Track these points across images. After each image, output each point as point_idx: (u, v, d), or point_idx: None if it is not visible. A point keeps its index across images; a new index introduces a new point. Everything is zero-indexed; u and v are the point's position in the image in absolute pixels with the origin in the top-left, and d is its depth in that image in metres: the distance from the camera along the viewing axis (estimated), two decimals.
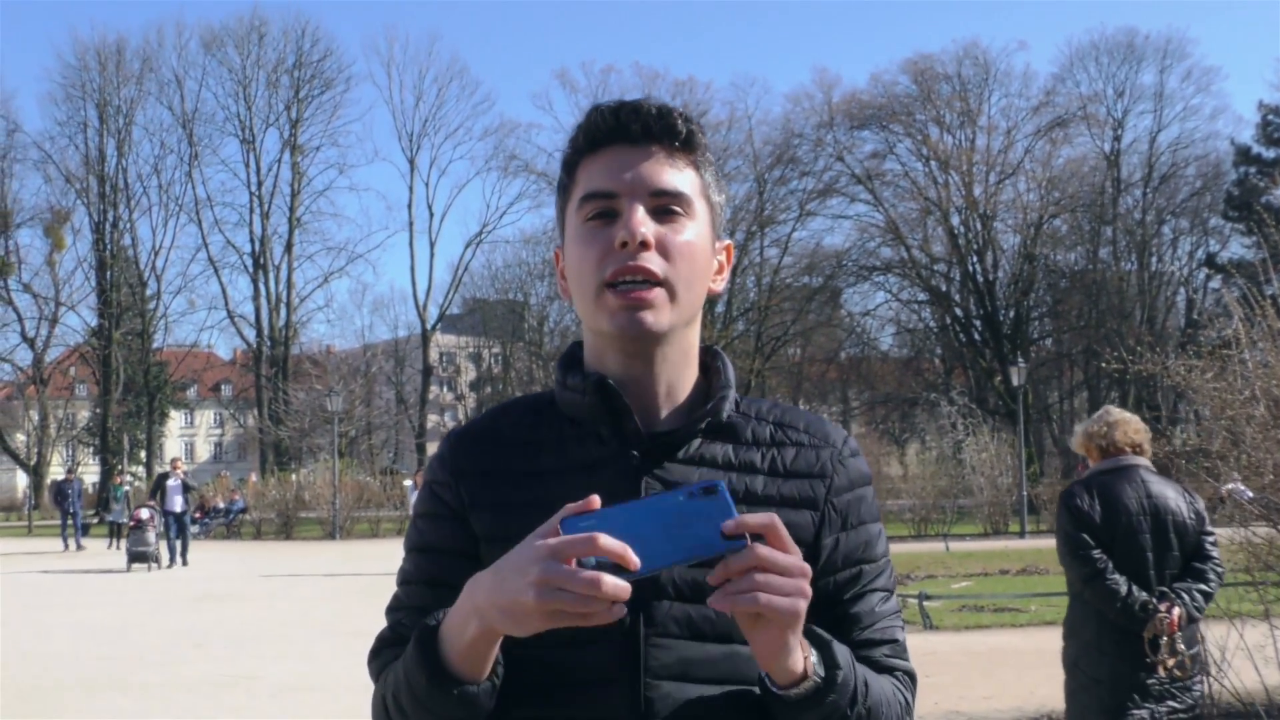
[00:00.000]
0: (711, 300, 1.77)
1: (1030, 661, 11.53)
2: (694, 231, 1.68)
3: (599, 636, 1.51)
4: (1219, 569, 5.38)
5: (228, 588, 21.32)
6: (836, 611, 1.67)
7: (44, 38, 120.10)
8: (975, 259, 60.07)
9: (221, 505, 41.47)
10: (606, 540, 1.34)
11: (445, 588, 1.66)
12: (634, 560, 1.34)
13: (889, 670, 1.67)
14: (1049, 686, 10.08)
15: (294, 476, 46.63)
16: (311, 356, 68.81)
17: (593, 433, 1.69)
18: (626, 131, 1.66)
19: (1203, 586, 5.27)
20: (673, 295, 1.65)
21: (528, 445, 1.72)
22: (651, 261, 1.63)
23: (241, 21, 69.96)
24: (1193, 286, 62.45)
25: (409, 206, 68.66)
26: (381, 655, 1.72)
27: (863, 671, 1.57)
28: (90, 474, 76.99)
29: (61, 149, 68.41)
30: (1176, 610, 5.12)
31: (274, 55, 69.71)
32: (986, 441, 34.39)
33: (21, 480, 77.07)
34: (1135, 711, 5.19)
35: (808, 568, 1.42)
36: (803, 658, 1.48)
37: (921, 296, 63.66)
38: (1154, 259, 63.11)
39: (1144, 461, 5.50)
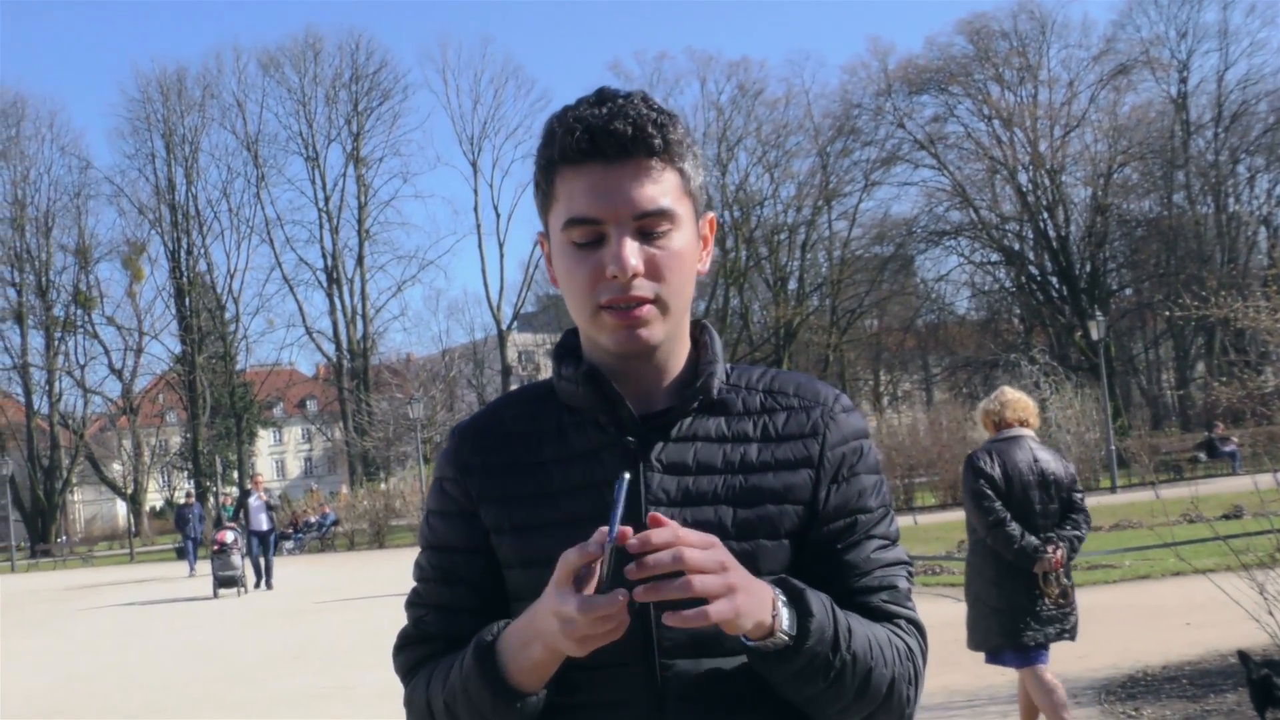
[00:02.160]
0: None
1: (1125, 617, 11.41)
2: (680, 239, 1.69)
3: None
4: (1087, 519, 6.78)
5: (322, 600, 21.62)
6: (832, 560, 1.69)
7: (107, 74, 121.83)
8: (1046, 215, 59.28)
9: (313, 519, 42.03)
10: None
11: (461, 584, 1.74)
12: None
13: (887, 616, 1.68)
14: (1144, 641, 9.99)
15: (383, 486, 47.17)
16: (391, 366, 69.45)
17: (591, 420, 1.72)
18: (603, 153, 1.65)
19: (1077, 533, 6.63)
20: (666, 309, 1.67)
21: (530, 436, 1.75)
22: (643, 288, 1.65)
23: (296, 41, 71.16)
24: (1273, 224, 61.13)
25: (475, 209, 69.11)
26: (406, 652, 1.78)
27: (846, 617, 1.58)
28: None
29: (132, 181, 69.83)
30: (1059, 551, 6.45)
31: (330, 71, 70.58)
32: (1071, 398, 33.94)
33: (121, 509, 78.59)
34: (1029, 633, 6.44)
35: (722, 561, 1.47)
36: (769, 615, 1.50)
37: (994, 257, 62.99)
38: (1230, 200, 61.90)
39: (1030, 433, 6.81)
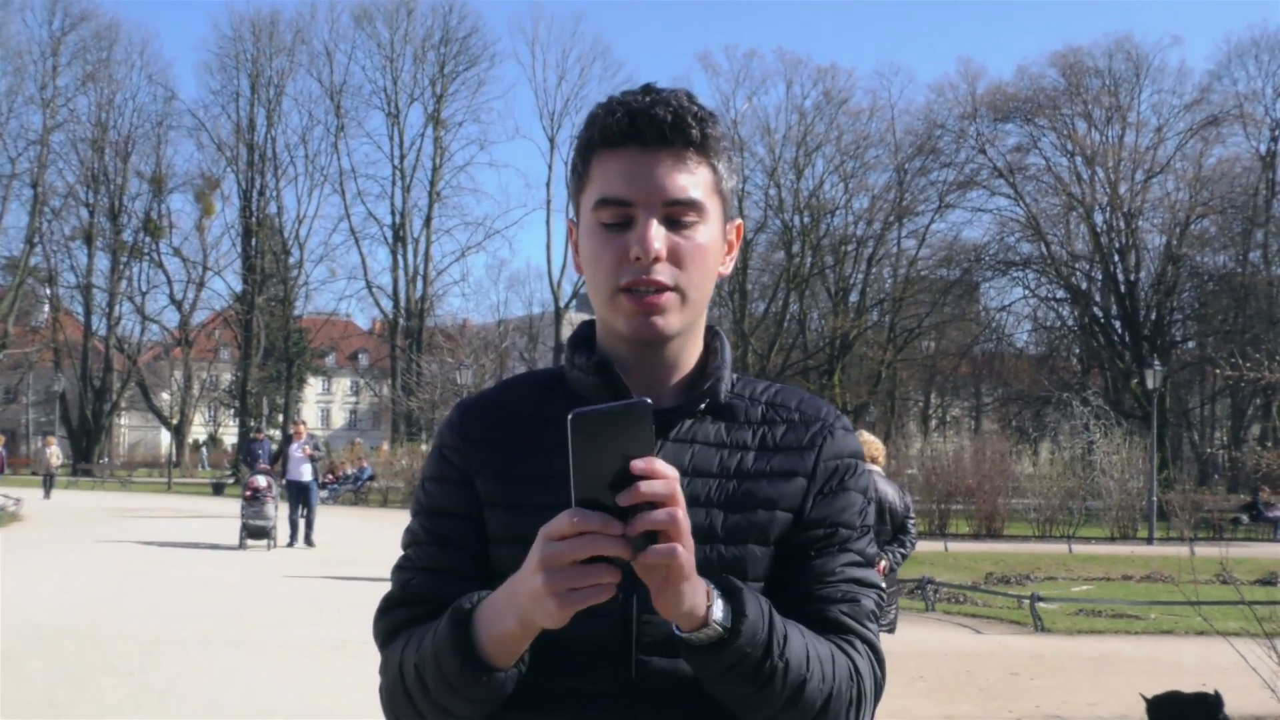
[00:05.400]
0: (738, 278, 1.80)
1: (1142, 669, 11.31)
2: (706, 234, 1.71)
3: (594, 613, 1.55)
4: (913, 542, 8.31)
5: (348, 553, 21.78)
6: (801, 564, 1.69)
7: (202, 8, 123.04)
8: (1117, 258, 58.67)
9: (350, 472, 42.31)
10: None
11: (453, 548, 1.74)
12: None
13: (842, 629, 1.67)
14: None
15: (422, 447, 47.38)
16: (445, 329, 69.68)
17: None
18: (641, 136, 1.67)
19: (902, 550, 8.14)
20: (684, 299, 1.69)
21: (535, 419, 1.76)
22: (664, 274, 1.66)
23: None
24: None
25: (547, 185, 69.26)
26: (389, 615, 1.77)
27: (785, 625, 1.56)
28: (229, 435, 79.24)
29: (214, 117, 70.54)
30: (883, 562, 7.69)
31: (422, 31, 70.92)
32: (1119, 444, 33.62)
33: (164, 438, 79.58)
34: None
35: (679, 521, 1.41)
36: (704, 604, 1.48)
37: (1060, 294, 62.44)
38: None
39: (877, 469, 8.30)
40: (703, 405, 1.74)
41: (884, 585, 1.79)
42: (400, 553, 1.82)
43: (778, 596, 1.64)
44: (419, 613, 1.71)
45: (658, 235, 1.65)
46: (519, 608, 1.49)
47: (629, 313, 1.67)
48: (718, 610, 1.50)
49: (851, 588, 1.71)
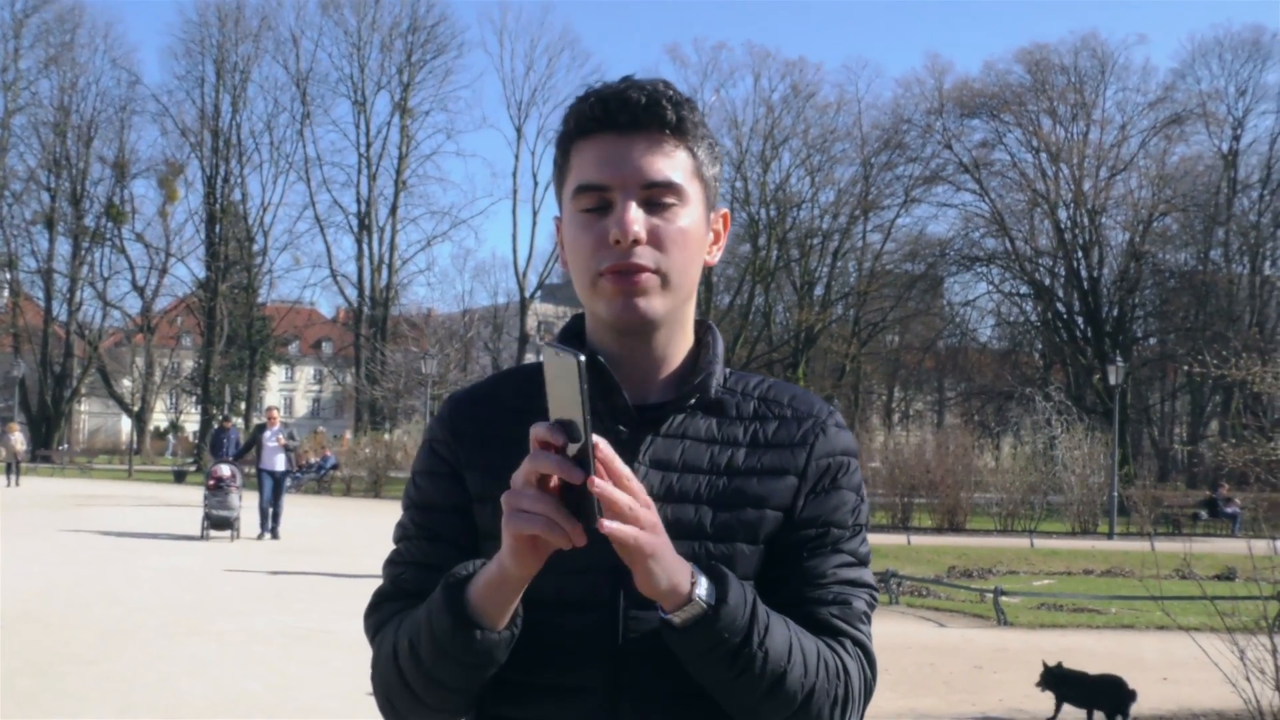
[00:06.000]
0: (707, 270, 1.80)
1: (1104, 663, 11.37)
2: (687, 217, 1.69)
3: (581, 606, 1.60)
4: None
5: (312, 542, 21.68)
6: (792, 565, 1.69)
7: None
8: (1081, 254, 59.11)
9: (314, 460, 42.11)
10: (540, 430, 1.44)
11: (443, 542, 1.73)
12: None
13: (834, 632, 1.67)
14: None
15: (386, 436, 47.27)
16: (410, 319, 69.61)
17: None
18: (615, 121, 1.67)
19: None
20: (666, 282, 1.67)
21: (524, 413, 1.72)
22: (644, 257, 1.65)
23: None
24: None
25: (514, 175, 69.66)
26: (380, 609, 1.76)
27: (769, 615, 1.56)
28: (191, 422, 78.79)
29: (179, 102, 70.19)
30: None
31: (389, 18, 70.73)
32: (1081, 439, 33.85)
33: (125, 425, 79.03)
34: None
35: (637, 503, 1.43)
36: (686, 584, 1.49)
37: (1024, 289, 62.90)
38: (1267, 263, 61.73)
39: None
40: (693, 400, 1.73)
41: (875, 587, 1.78)
42: (392, 547, 1.82)
43: (770, 599, 1.63)
44: (408, 606, 1.70)
45: (636, 218, 1.64)
46: (499, 557, 1.50)
47: (610, 295, 1.66)
48: (701, 588, 1.51)
49: (843, 589, 1.70)
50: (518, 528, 1.42)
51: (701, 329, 1.80)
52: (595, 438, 1.40)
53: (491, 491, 1.68)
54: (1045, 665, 8.77)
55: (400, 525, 1.81)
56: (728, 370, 1.80)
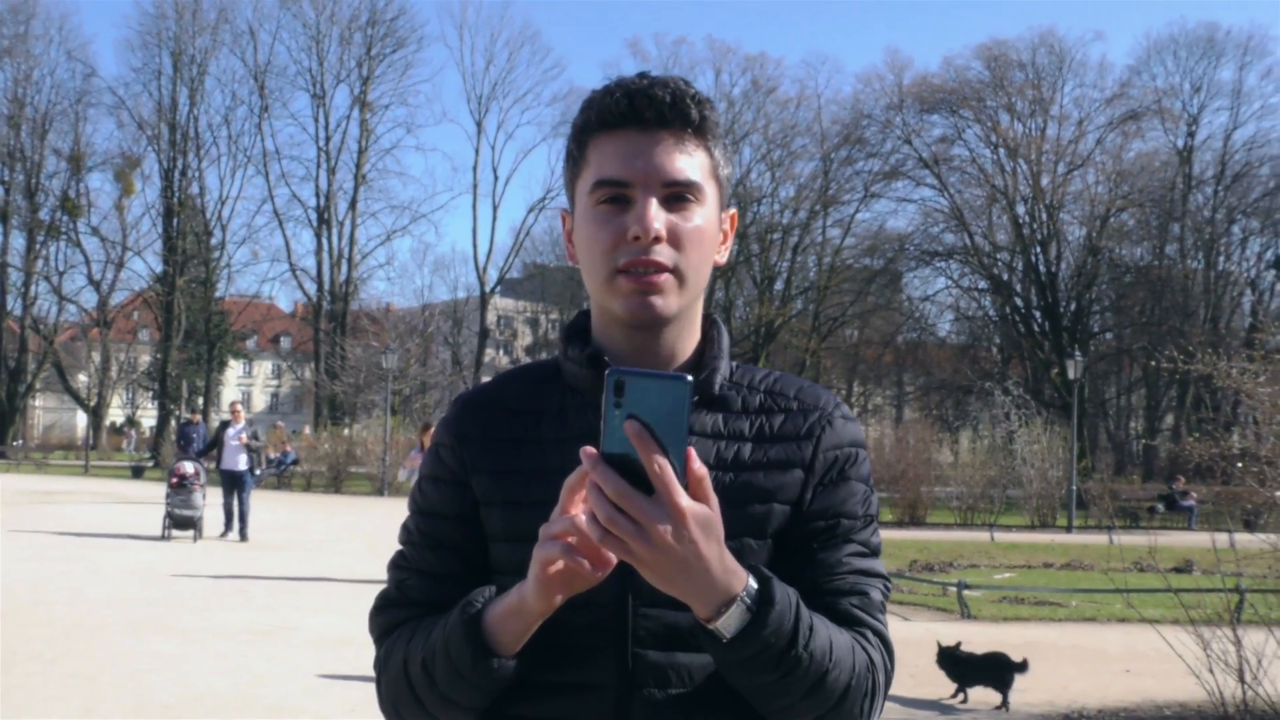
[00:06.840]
0: (715, 270, 1.78)
1: (1066, 656, 11.49)
2: (703, 216, 1.70)
3: (589, 603, 1.57)
4: None
5: (273, 538, 21.57)
6: (806, 558, 1.68)
7: None
8: (1039, 249, 59.50)
9: (273, 455, 41.88)
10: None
11: (446, 550, 1.73)
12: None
13: (854, 622, 1.66)
14: (1083, 683, 10.06)
15: (346, 431, 47.08)
16: (370, 313, 69.30)
17: (593, 403, 1.70)
18: (639, 117, 1.67)
19: None
20: (682, 281, 1.68)
21: (531, 413, 1.75)
22: (663, 255, 1.65)
23: None
24: (1259, 288, 61.46)
25: (474, 169, 69.13)
26: (386, 613, 1.76)
27: (811, 616, 1.53)
28: (148, 417, 78.17)
29: (135, 95, 69.41)
30: None
31: (348, 11, 70.17)
32: (1039, 433, 34.08)
33: (81, 420, 78.31)
34: None
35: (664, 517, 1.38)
36: (722, 595, 1.44)
37: (982, 284, 63.18)
38: (1221, 258, 62.34)
39: None
40: (697, 396, 1.72)
41: (888, 577, 1.77)
42: (398, 548, 1.82)
43: None
44: (415, 614, 1.71)
45: (657, 215, 1.64)
46: (521, 586, 1.50)
47: (627, 293, 1.66)
48: (749, 599, 1.47)
49: (859, 579, 1.69)
50: (570, 575, 1.44)
51: (707, 324, 1.80)
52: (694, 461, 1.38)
53: (498, 495, 1.70)
54: (940, 645, 9.26)
55: (405, 528, 1.81)
56: (734, 364, 1.80)
